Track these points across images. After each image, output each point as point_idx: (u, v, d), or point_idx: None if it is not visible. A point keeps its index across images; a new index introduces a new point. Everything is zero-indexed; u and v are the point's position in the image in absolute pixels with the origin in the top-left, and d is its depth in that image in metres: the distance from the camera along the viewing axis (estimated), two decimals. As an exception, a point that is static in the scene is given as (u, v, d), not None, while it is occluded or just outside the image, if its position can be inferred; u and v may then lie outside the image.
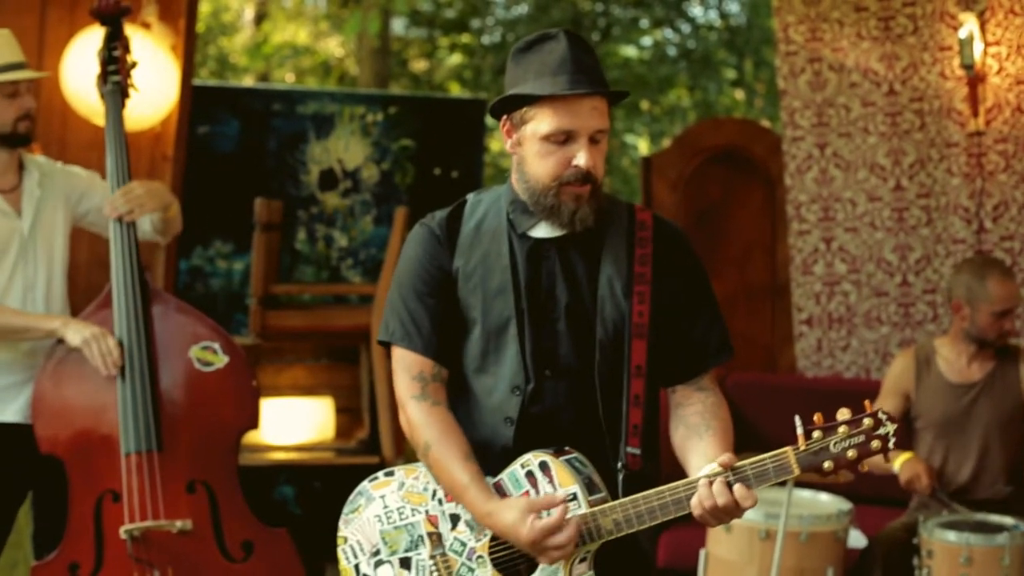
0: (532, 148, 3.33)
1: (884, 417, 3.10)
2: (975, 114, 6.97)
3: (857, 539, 5.63)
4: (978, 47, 6.87)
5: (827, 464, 3.09)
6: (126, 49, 5.22)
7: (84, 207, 5.21)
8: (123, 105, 5.21)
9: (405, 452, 6.74)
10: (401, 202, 7.87)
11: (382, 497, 3.49)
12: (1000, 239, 6.98)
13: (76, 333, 4.88)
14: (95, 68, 5.22)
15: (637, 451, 3.35)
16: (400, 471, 3.52)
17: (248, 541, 5.01)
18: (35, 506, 5.15)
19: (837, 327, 7.39)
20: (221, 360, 5.08)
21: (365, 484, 3.53)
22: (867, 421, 3.10)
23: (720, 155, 8.16)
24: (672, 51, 17.76)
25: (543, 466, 3.29)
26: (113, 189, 5.08)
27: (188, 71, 6.38)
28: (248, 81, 16.91)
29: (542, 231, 3.41)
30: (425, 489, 3.45)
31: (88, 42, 5.76)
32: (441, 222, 3.51)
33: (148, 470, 4.87)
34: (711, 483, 3.11)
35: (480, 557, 3.36)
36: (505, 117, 3.39)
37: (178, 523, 4.86)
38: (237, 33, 18.71)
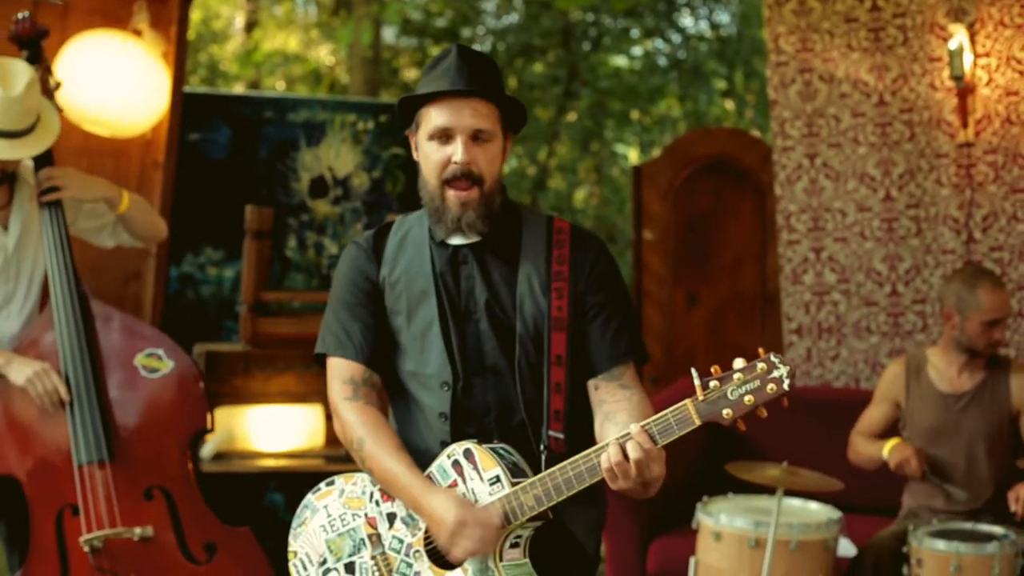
0: (423, 150, 3.54)
1: (776, 360, 3.15)
2: (964, 125, 6.99)
3: (847, 548, 5.64)
4: (968, 58, 6.89)
5: (726, 412, 3.15)
6: (47, 71, 5.22)
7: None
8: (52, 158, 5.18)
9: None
10: (391, 210, 7.86)
11: (325, 507, 3.61)
12: (989, 249, 6.99)
13: (19, 373, 4.90)
14: None
15: (560, 435, 3.48)
16: (340, 479, 3.65)
17: (211, 543, 5.04)
18: (2, 520, 5.17)
19: (827, 336, 7.40)
20: (166, 365, 5.12)
21: (309, 496, 3.67)
22: (761, 366, 3.15)
23: (710, 165, 8.18)
24: (662, 61, 17.77)
25: (467, 454, 3.40)
26: (42, 217, 5.07)
27: (179, 78, 6.38)
28: (238, 89, 16.90)
29: (459, 239, 3.57)
30: (363, 493, 3.57)
31: (79, 48, 5.77)
32: (368, 237, 3.72)
33: (102, 480, 4.90)
34: (621, 444, 3.20)
35: (416, 551, 3.46)
36: (409, 131, 3.63)
37: (137, 530, 4.89)
38: (228, 41, 18.71)
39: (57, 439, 4.94)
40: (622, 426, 3.39)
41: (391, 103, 10.82)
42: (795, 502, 5.66)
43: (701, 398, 3.17)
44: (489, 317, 3.54)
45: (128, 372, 5.08)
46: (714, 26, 17.76)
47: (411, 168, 8.08)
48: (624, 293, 3.65)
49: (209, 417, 5.23)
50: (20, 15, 5.15)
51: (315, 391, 7.34)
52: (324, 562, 3.56)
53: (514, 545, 3.37)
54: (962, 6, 6.95)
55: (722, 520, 5.39)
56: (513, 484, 3.33)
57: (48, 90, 5.18)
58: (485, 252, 3.58)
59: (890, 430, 5.83)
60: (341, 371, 3.58)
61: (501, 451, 3.43)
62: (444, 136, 3.47)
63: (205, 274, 7.73)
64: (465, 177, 3.46)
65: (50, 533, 4.90)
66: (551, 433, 3.47)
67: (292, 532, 3.66)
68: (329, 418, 7.21)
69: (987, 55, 6.93)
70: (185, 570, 4.98)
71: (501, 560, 3.34)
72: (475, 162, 3.47)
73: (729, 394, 3.15)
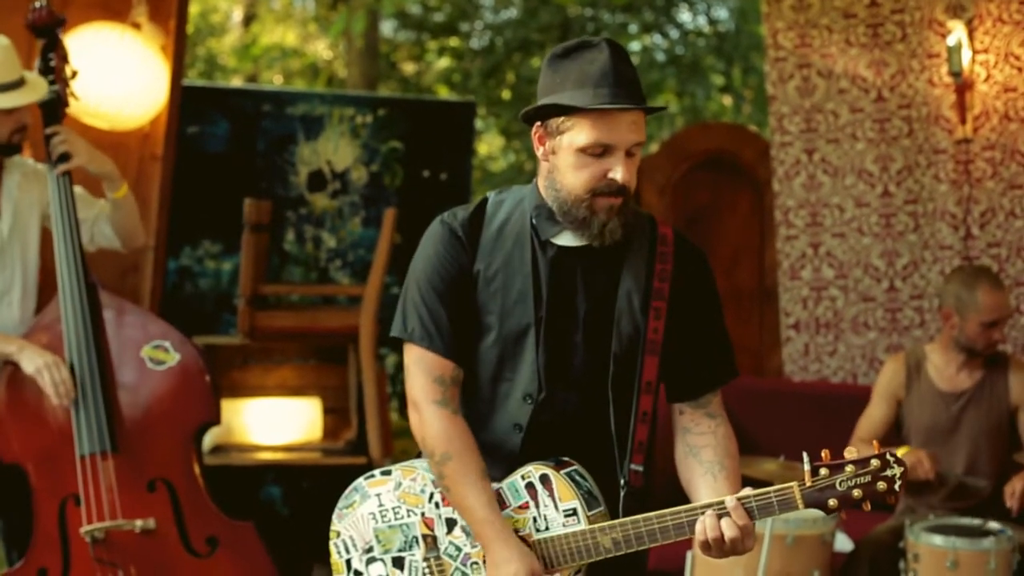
0: (567, 159, 3.27)
1: (892, 459, 3.08)
2: (963, 121, 6.99)
3: (843, 543, 5.64)
4: (966, 55, 6.89)
5: (832, 502, 3.09)
6: (64, 59, 5.22)
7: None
8: (62, 115, 5.21)
9: (393, 453, 6.75)
10: (390, 204, 7.87)
11: (378, 495, 3.48)
12: (987, 245, 7.00)
13: (30, 362, 4.88)
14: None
15: (640, 468, 3.35)
16: (397, 471, 3.50)
17: (213, 536, 5.04)
18: (2, 514, 5.17)
19: (824, 332, 7.41)
20: (173, 358, 5.11)
21: (360, 481, 3.51)
22: (875, 462, 3.08)
23: (708, 160, 8.17)
24: (661, 56, 17.75)
25: (544, 479, 3.29)
26: (53, 197, 5.07)
27: (177, 71, 6.37)
28: (236, 83, 16.89)
29: (566, 239, 3.36)
30: (422, 491, 3.44)
31: (79, 41, 5.76)
32: (463, 222, 3.44)
33: (105, 471, 4.89)
34: (719, 516, 3.12)
35: (475, 564, 3.37)
36: (539, 124, 3.34)
37: (139, 522, 4.89)
38: (226, 34, 18.71)
39: (63, 429, 4.93)
40: (707, 466, 3.35)
41: (390, 97, 10.83)
42: (792, 497, 5.65)
43: (809, 484, 3.09)
44: (585, 329, 3.36)
45: (134, 363, 5.07)
46: (712, 21, 17.75)
47: (409, 162, 8.11)
48: (721, 310, 3.50)
49: (216, 410, 5.21)
50: (38, 3, 5.16)
51: (313, 384, 7.35)
52: (370, 550, 3.46)
53: (578, 572, 3.30)
54: (961, 2, 6.95)
55: (719, 514, 5.39)
56: (589, 519, 3.24)
57: (64, 78, 5.19)
58: (590, 258, 3.36)
59: (892, 431, 5.82)
60: (429, 367, 3.37)
61: (577, 477, 3.31)
62: (601, 151, 3.22)
63: (203, 267, 7.74)
64: (619, 192, 3.26)
65: (53, 522, 4.90)
66: (632, 467, 3.34)
67: (337, 512, 3.50)
68: (327, 411, 7.26)
69: (985, 51, 6.93)
70: (186, 563, 4.98)
71: None
72: (631, 179, 3.27)
73: (838, 485, 3.08)
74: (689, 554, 5.49)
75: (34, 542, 4.92)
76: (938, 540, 5.11)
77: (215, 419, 5.22)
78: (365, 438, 6.79)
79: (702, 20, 17.87)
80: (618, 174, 3.23)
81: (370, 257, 7.65)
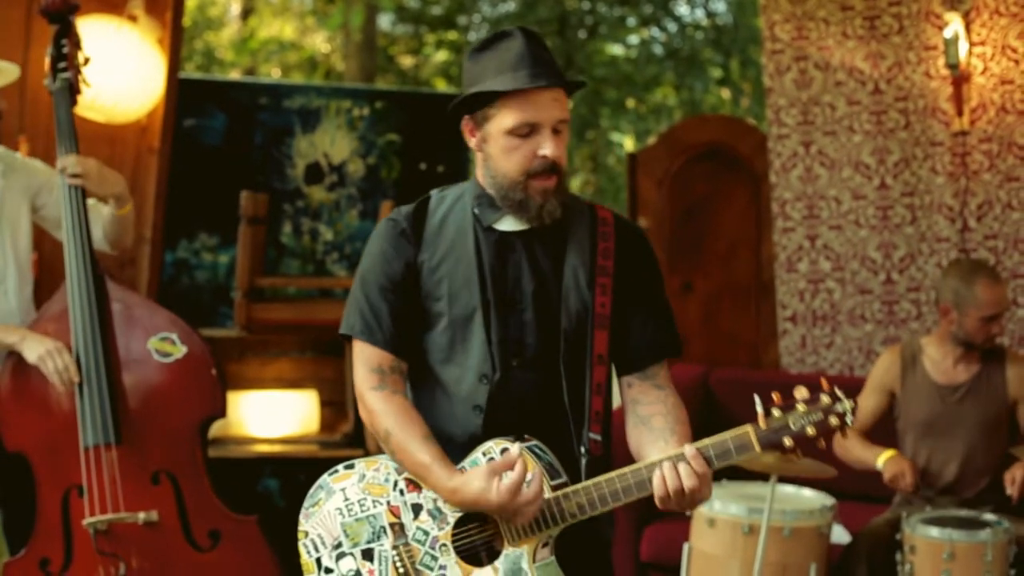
0: (497, 144, 3.41)
1: (841, 394, 3.15)
2: (960, 113, 6.99)
3: (840, 535, 5.65)
4: (963, 47, 6.89)
5: (787, 441, 3.14)
6: (76, 46, 5.21)
7: (41, 200, 5.21)
8: (74, 102, 5.20)
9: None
10: (387, 196, 7.87)
11: (342, 490, 3.51)
12: (984, 238, 7.00)
13: (32, 350, 4.87)
14: (45, 65, 5.22)
15: (598, 437, 3.42)
16: (360, 463, 3.55)
17: (215, 530, 5.03)
18: (3, 504, 5.16)
19: (821, 324, 7.41)
20: (179, 350, 5.10)
21: (325, 478, 3.56)
22: (824, 398, 3.15)
23: (705, 152, 8.17)
24: (659, 50, 17.78)
25: (504, 453, 3.33)
26: (62, 189, 5.07)
27: (174, 64, 6.38)
28: (234, 76, 16.88)
29: (508, 224, 3.49)
30: (386, 480, 3.48)
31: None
32: (407, 216, 3.57)
33: (108, 463, 4.89)
34: (675, 464, 3.17)
35: (443, 545, 3.40)
36: (467, 117, 3.48)
37: (142, 515, 4.88)
38: (223, 28, 18.71)
39: (67, 419, 4.92)
40: (658, 432, 3.39)
41: (386, 90, 10.83)
42: (789, 489, 5.66)
43: (763, 427, 3.16)
44: (535, 308, 3.46)
45: (141, 355, 5.06)
46: (710, 15, 17.78)
47: (406, 154, 8.11)
48: (663, 288, 3.61)
49: (222, 403, 5.20)
50: None
51: (310, 377, 7.35)
52: (339, 545, 3.47)
53: (545, 544, 3.33)
54: (958, -6, 6.96)
55: (716, 506, 5.39)
56: (552, 488, 3.28)
57: (76, 65, 5.19)
58: (534, 240, 3.49)
59: (882, 422, 5.83)
60: (369, 358, 3.48)
61: (537, 451, 3.36)
62: (528, 131, 3.36)
63: (200, 260, 7.74)
64: (550, 169, 3.39)
65: (56, 513, 4.90)
66: (591, 435, 3.41)
67: (304, 512, 3.54)
68: (324, 404, 7.27)
69: (982, 44, 6.93)
70: (188, 556, 4.98)
71: (535, 562, 3.30)
72: (561, 155, 3.41)
73: (791, 424, 3.15)
74: (686, 546, 5.49)
75: (37, 532, 4.91)
76: (935, 532, 5.11)
77: (221, 412, 5.20)
78: (362, 431, 6.80)
79: (700, 13, 17.90)
80: (547, 149, 3.36)
81: (367, 250, 7.65)
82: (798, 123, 7.44)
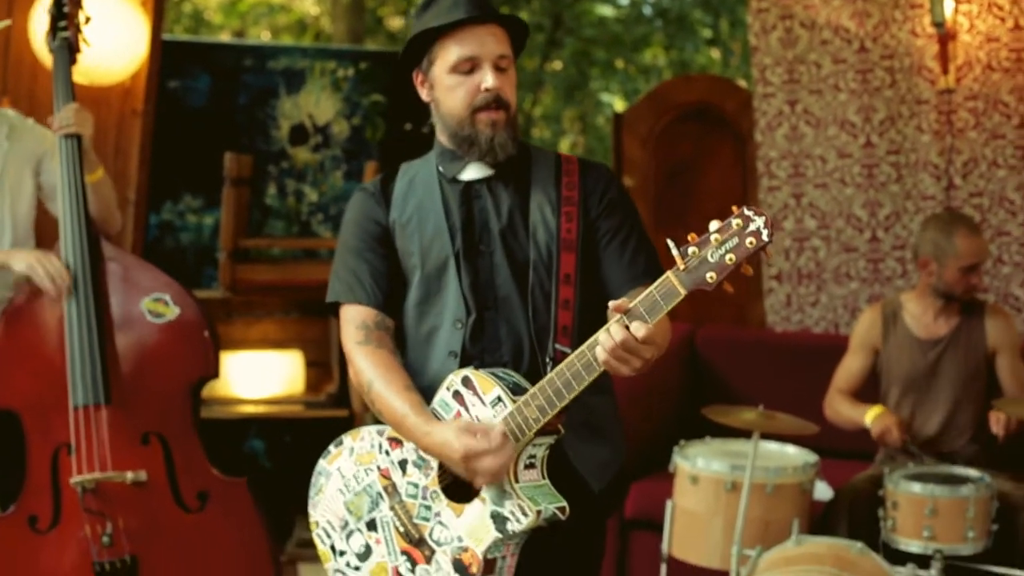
0: (442, 84, 3.49)
1: (751, 212, 3.00)
2: (945, 71, 6.97)
3: (823, 491, 5.65)
4: (949, 5, 6.86)
5: (710, 276, 2.99)
6: (77, 5, 5.19)
7: (44, 167, 5.20)
8: (73, 60, 5.18)
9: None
10: (371, 157, 7.87)
11: (338, 469, 3.56)
12: (969, 195, 7.00)
13: (20, 261, 4.88)
14: (45, 24, 5.20)
15: (567, 349, 3.38)
16: (347, 438, 3.61)
17: (204, 491, 5.03)
18: None
19: (806, 282, 7.41)
20: (172, 312, 5.10)
21: (321, 462, 3.62)
22: (736, 222, 2.99)
23: (691, 112, 8.17)
24: (648, 10, 17.72)
25: (465, 381, 3.35)
26: (60, 148, 5.05)
27: (158, 25, 6.36)
28: (223, 39, 16.83)
29: (471, 173, 3.55)
30: (372, 446, 3.52)
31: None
32: (375, 182, 3.67)
33: (97, 422, 4.89)
34: (608, 329, 3.08)
35: (433, 492, 3.40)
36: (416, 70, 3.58)
37: (130, 474, 4.88)
38: (212, -10, 18.64)
39: (58, 377, 4.92)
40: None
41: (371, 50, 10.80)
42: (772, 445, 5.67)
43: (682, 268, 3.02)
44: (504, 248, 3.49)
45: (133, 316, 5.06)
46: (699, -25, 17.71)
47: (391, 115, 8.09)
48: (637, 216, 3.60)
49: (215, 365, 5.20)
50: None
51: (295, 338, 7.36)
52: (346, 525, 3.52)
53: (529, 466, 3.31)
54: (943, -49, 6.94)
55: (699, 464, 5.40)
56: (515, 402, 3.26)
57: (77, 24, 5.17)
58: (498, 185, 3.53)
59: (870, 381, 5.84)
60: (353, 316, 3.54)
61: (500, 373, 3.37)
62: (469, 66, 3.43)
63: (184, 221, 7.74)
64: (495, 103, 3.42)
65: (45, 471, 4.89)
66: (557, 346, 3.41)
67: (311, 501, 3.60)
68: (309, 364, 7.28)
69: (968, 1, 6.90)
70: (175, 517, 4.99)
71: (518, 482, 3.27)
72: (503, 88, 3.44)
73: (710, 257, 2.99)
74: (669, 503, 5.51)
75: (26, 490, 4.91)
76: (917, 488, 5.12)
77: (213, 374, 5.21)
78: (347, 391, 6.81)
79: (689, -27, 17.82)
80: (489, 81, 3.42)
81: (352, 211, 7.64)
82: (784, 82, 7.42)
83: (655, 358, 3.16)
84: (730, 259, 2.99)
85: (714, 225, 3.03)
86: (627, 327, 3.06)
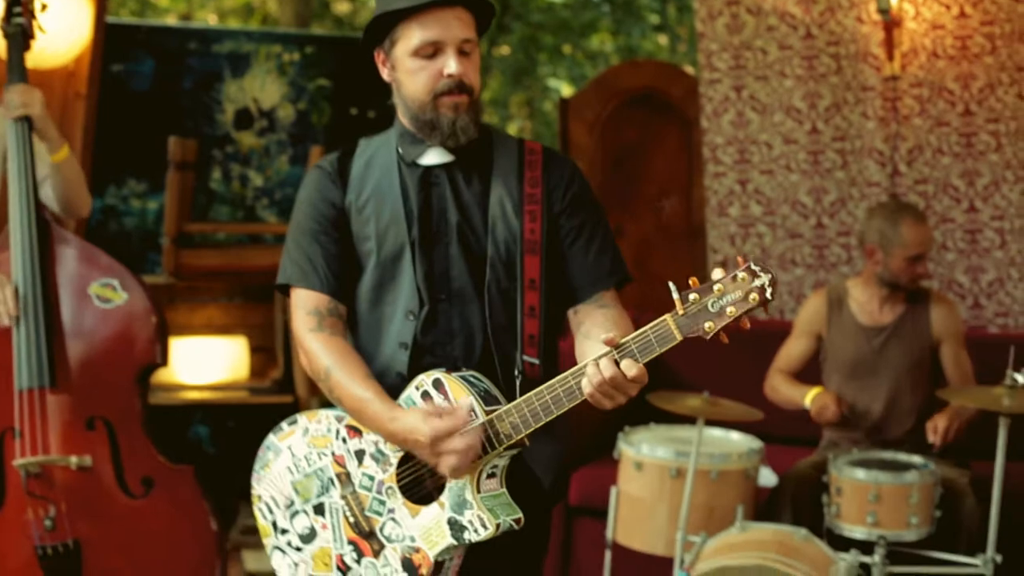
0: (404, 67, 3.41)
1: (757, 268, 2.97)
2: (891, 58, 7.00)
3: (767, 477, 5.68)
4: (895, -8, 6.90)
5: (708, 325, 2.97)
6: None
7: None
8: (26, 47, 5.14)
9: (319, 392, 6.74)
10: (317, 142, 7.84)
11: (289, 447, 3.50)
12: (914, 183, 7.03)
13: None
14: (0, 10, 5.16)
15: (535, 360, 3.37)
16: (302, 417, 3.53)
17: (148, 477, 5.00)
18: None
19: (752, 269, 7.42)
20: (120, 297, 5.06)
21: (271, 437, 3.55)
22: (742, 275, 2.97)
23: (638, 97, 8.17)
24: (596, -5, 17.73)
25: (436, 384, 3.29)
26: (9, 133, 5.01)
27: (101, 8, 6.31)
28: (170, 22, 16.73)
29: (431, 158, 3.47)
30: (329, 431, 3.46)
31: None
32: (332, 160, 3.58)
33: (42, 406, 4.86)
34: (598, 362, 3.06)
35: (389, 488, 3.36)
36: (378, 49, 3.49)
37: (74, 459, 4.86)
38: (157, -27, 18.52)
39: (3, 361, 4.89)
40: (594, 338, 3.29)
41: (317, 35, 10.76)
42: (716, 432, 5.69)
43: (681, 312, 2.99)
44: (460, 241, 3.42)
45: (81, 300, 5.02)
46: (647, -40, 17.72)
47: (336, 99, 8.07)
48: (601, 214, 3.55)
49: (163, 352, 5.16)
50: None
51: (239, 323, 7.33)
52: (291, 504, 3.47)
53: (491, 476, 3.28)
54: (888, -61, 6.96)
55: (643, 450, 5.41)
56: (487, 413, 3.21)
57: (31, 10, 5.12)
58: (457, 173, 3.46)
59: (810, 364, 5.86)
60: (305, 302, 3.46)
61: (471, 379, 3.30)
62: (432, 50, 3.36)
63: (128, 206, 7.69)
64: (458, 88, 3.35)
65: None
66: (525, 358, 3.37)
67: (255, 475, 3.54)
68: (254, 350, 7.25)
69: (913, -12, 6.95)
70: (119, 502, 4.96)
71: (479, 492, 3.25)
72: (466, 74, 3.37)
73: (710, 306, 2.97)
74: (613, 490, 5.51)
75: None
76: (861, 474, 5.14)
77: (161, 361, 5.17)
78: (292, 377, 6.80)
79: (637, -41, 17.82)
80: (452, 67, 3.34)
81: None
82: (730, 68, 7.43)
83: (635, 391, 3.13)
84: (731, 312, 2.97)
85: (717, 274, 3.00)
86: (617, 363, 3.04)
